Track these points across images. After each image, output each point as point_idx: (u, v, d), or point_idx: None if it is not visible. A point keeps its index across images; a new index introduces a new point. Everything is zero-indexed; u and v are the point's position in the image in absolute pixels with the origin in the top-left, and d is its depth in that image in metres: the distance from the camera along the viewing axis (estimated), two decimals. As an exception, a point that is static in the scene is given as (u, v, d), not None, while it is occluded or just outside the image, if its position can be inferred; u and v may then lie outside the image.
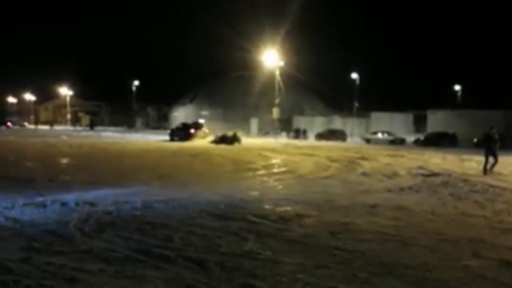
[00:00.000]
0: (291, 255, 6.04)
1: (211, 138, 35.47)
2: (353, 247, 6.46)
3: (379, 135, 40.28)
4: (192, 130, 38.69)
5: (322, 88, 55.77)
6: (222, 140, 33.00)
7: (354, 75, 51.52)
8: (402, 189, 12.05)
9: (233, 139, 32.87)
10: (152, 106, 76.06)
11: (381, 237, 7.12)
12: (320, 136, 42.99)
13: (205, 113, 64.15)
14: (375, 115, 50.70)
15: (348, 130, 46.00)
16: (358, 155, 22.26)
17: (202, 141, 35.54)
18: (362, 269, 5.60)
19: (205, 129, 39.82)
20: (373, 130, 44.32)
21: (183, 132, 38.28)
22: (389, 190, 11.93)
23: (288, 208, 9.10)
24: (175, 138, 37.12)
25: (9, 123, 72.90)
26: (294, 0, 50.13)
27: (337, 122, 51.72)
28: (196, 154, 22.78)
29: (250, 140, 37.43)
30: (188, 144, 32.98)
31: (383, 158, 21.24)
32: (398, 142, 38.11)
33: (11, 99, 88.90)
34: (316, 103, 60.22)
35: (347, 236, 7.07)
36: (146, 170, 16.28)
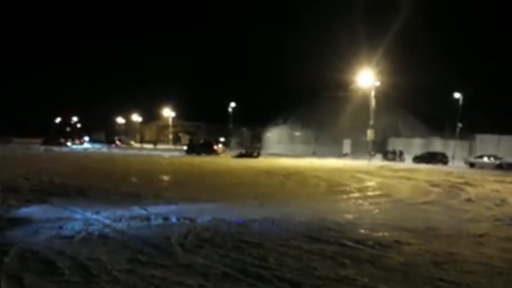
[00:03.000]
0: (390, 284, 5.77)
1: (227, 153, 45.43)
2: (459, 279, 6.02)
3: (485, 159, 37.50)
4: (215, 146, 47.88)
5: (421, 108, 53.27)
6: (244, 155, 43.15)
7: (457, 95, 48.62)
8: (513, 219, 11.05)
9: (253, 154, 43.69)
10: (247, 127, 78.04)
11: (490, 270, 6.57)
12: (418, 159, 41.04)
13: (297, 134, 64.44)
14: (480, 137, 47.25)
15: (449, 153, 43.39)
16: (461, 180, 20.87)
17: (223, 155, 44.40)
18: (470, 304, 5.19)
19: (221, 146, 50.89)
20: (478, 153, 41.36)
21: (207, 148, 46.35)
22: (498, 219, 11.00)
23: (386, 234, 8.75)
24: (198, 154, 44.13)
25: (117, 142, 79.12)
26: (392, 18, 48.92)
27: (437, 144, 49.00)
28: (289, 174, 22.85)
29: (335, 162, 36.78)
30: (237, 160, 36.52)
31: (489, 184, 19.71)
32: (506, 167, 35.13)
33: (120, 120, 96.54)
34: (414, 124, 57.57)
35: (452, 267, 6.61)
36: (240, 188, 16.65)
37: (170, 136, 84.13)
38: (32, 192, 13.46)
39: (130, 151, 50.33)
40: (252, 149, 50.73)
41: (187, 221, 9.47)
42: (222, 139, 60.93)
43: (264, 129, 70.92)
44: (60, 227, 8.65)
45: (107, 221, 9.37)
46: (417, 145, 49.83)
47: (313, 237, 8.26)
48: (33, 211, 10.40)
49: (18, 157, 33.02)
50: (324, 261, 6.79)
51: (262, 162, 35.48)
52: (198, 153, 44.84)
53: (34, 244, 7.34)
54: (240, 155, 43.24)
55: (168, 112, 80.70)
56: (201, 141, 59.18)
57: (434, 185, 18.59)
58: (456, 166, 37.51)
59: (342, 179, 20.88)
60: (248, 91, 78.67)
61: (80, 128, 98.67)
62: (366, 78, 41.75)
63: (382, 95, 44.87)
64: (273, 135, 68.61)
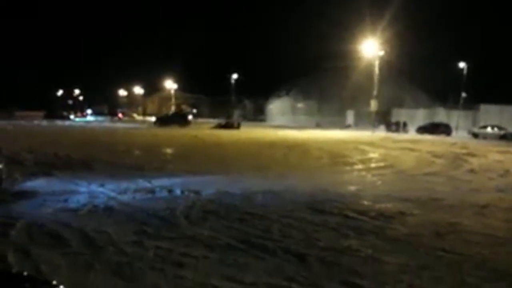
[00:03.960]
0: (393, 254, 5.83)
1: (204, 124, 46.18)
2: (461, 250, 6.07)
3: (489, 129, 37.38)
4: (189, 117, 49.50)
5: (426, 78, 52.77)
6: (226, 126, 42.65)
7: (462, 64, 48.06)
8: (516, 189, 11.08)
9: (233, 125, 43.45)
10: (249, 99, 77.73)
11: (492, 240, 6.63)
12: (422, 130, 40.94)
13: (300, 105, 64.23)
14: (484, 108, 46.99)
15: (453, 124, 43.25)
16: (465, 151, 20.85)
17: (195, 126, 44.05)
18: (471, 273, 5.25)
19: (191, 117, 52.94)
20: (482, 123, 41.21)
21: (182, 120, 45.89)
22: (501, 190, 11.04)
23: (389, 205, 8.80)
24: (167, 125, 42.44)
25: (120, 114, 79.07)
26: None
27: (441, 115, 48.79)
28: (291, 146, 22.86)
29: (335, 133, 36.74)
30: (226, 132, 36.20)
31: (493, 155, 19.69)
32: (509, 137, 35.03)
33: (122, 92, 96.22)
34: (418, 95, 57.18)
35: (455, 238, 6.66)
36: (244, 161, 16.69)
37: (173, 108, 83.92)
38: (37, 165, 13.53)
39: (131, 124, 50.21)
40: (232, 119, 51.16)
41: (191, 194, 9.53)
42: (194, 110, 63.75)
43: (267, 101, 70.64)
44: (66, 200, 8.73)
45: (112, 194, 9.44)
46: (421, 116, 49.64)
47: (316, 209, 8.31)
48: (38, 184, 10.48)
49: (21, 130, 33.07)
50: (327, 232, 6.85)
51: (242, 134, 34.65)
52: (168, 124, 43.35)
53: (40, 217, 7.42)
54: (220, 127, 42.63)
55: (170, 84, 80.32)
56: (171, 112, 59.67)
57: (437, 156, 18.58)
58: (460, 136, 37.43)
59: (345, 150, 20.88)
60: (250, 63, 78.13)
61: (82, 101, 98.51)
62: (370, 48, 41.24)
63: (386, 65, 44.42)
64: (276, 107, 68.41)
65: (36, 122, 47.65)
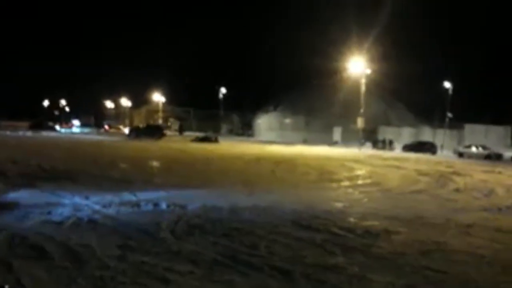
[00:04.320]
0: (379, 273, 5.82)
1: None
2: (447, 269, 6.09)
3: (473, 149, 37.84)
4: (165, 131, 48.00)
5: (411, 97, 53.46)
6: (204, 139, 42.89)
7: (447, 84, 48.85)
8: (500, 209, 11.21)
9: (214, 140, 43.35)
10: (237, 113, 77.81)
11: (477, 259, 6.65)
12: (407, 148, 41.31)
13: (287, 120, 64.46)
14: (469, 127, 47.72)
15: (438, 143, 43.74)
16: (450, 170, 21.06)
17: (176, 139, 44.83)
18: (457, 293, 5.25)
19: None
20: (467, 143, 41.74)
21: (158, 133, 45.00)
22: (486, 209, 11.14)
23: (375, 223, 8.81)
24: (142, 138, 41.05)
25: (106, 126, 78.44)
26: (383, 6, 48.70)
27: (427, 134, 49.37)
28: (278, 162, 22.87)
29: (325, 150, 36.92)
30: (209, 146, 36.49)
31: (478, 174, 19.92)
32: (494, 157, 35.48)
33: (109, 104, 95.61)
34: (404, 113, 57.87)
35: (440, 256, 6.68)
36: (230, 175, 16.64)
37: (160, 122, 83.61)
38: (20, 177, 13.32)
39: (116, 137, 49.80)
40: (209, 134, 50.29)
41: (177, 208, 9.45)
42: (169, 123, 64.58)
43: (255, 116, 70.78)
44: (49, 213, 8.59)
45: (97, 207, 9.32)
46: (407, 134, 50.15)
47: (303, 225, 8.29)
48: (21, 195, 10.31)
49: (5, 141, 32.61)
50: (314, 249, 6.83)
51: (228, 148, 34.34)
52: (141, 136, 42.20)
53: (23, 229, 7.28)
54: (198, 140, 42.96)
55: (158, 97, 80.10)
56: (143, 125, 57.73)
57: (423, 174, 18.74)
58: (445, 155, 37.85)
59: (332, 167, 20.96)
60: (238, 78, 78.31)
61: (68, 112, 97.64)
62: (357, 66, 41.74)
63: (373, 83, 44.96)
64: (264, 122, 68.50)
65: (21, 132, 47.04)
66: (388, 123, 54.95)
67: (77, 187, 11.77)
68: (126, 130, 50.90)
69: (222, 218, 8.70)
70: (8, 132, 43.87)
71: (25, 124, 62.00)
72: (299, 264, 6.06)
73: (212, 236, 7.31)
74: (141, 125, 56.78)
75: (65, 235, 6.98)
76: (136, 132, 45.84)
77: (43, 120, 66.18)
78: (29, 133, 46.93)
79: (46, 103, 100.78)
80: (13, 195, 10.32)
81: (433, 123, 51.71)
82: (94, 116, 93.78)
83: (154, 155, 24.24)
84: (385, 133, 50.72)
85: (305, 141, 51.23)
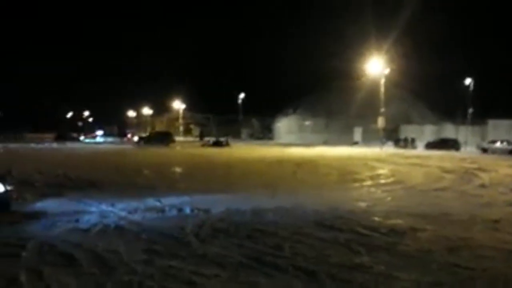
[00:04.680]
0: (406, 271, 5.77)
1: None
2: (475, 265, 6.01)
3: (498, 144, 37.06)
4: (174, 137, 48.41)
5: (433, 95, 52.72)
6: (216, 144, 42.71)
7: (468, 80, 48.02)
8: (528, 204, 10.97)
9: (226, 144, 43.12)
10: (257, 117, 77.94)
11: (506, 255, 6.55)
12: (430, 145, 40.72)
13: (307, 123, 64.27)
14: (492, 123, 46.74)
15: (461, 139, 42.99)
16: (474, 166, 20.69)
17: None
18: (486, 289, 5.18)
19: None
20: (491, 138, 40.91)
21: (167, 139, 45.27)
22: (513, 204, 10.92)
23: (400, 221, 8.74)
24: (151, 145, 41.54)
25: (129, 135, 79.49)
26: (402, 4, 48.27)
27: (449, 131, 48.58)
28: (299, 164, 22.83)
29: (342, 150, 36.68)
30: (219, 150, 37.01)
31: (503, 169, 19.53)
32: (519, 151, 34.69)
33: (131, 113, 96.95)
34: (425, 111, 57.06)
35: (467, 253, 6.59)
36: (252, 179, 16.68)
37: (181, 128, 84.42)
38: (47, 186, 13.62)
39: (128, 145, 50.29)
40: (214, 138, 50.25)
41: (201, 212, 9.54)
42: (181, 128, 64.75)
43: (274, 119, 70.77)
44: (77, 220, 8.77)
45: (123, 213, 9.47)
46: (429, 132, 49.43)
47: (326, 225, 8.28)
48: (48, 205, 10.54)
49: (32, 152, 33.37)
50: (338, 249, 6.81)
51: (231, 152, 34.20)
52: (152, 143, 42.84)
53: (51, 237, 7.45)
54: (207, 145, 42.98)
55: (178, 105, 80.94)
56: (154, 131, 58.76)
57: (447, 171, 18.47)
58: (469, 152, 37.16)
59: (353, 167, 20.82)
60: (257, 82, 78.57)
61: (92, 122, 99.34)
62: (376, 66, 41.40)
63: (392, 83, 44.52)
64: (283, 125, 68.44)
65: (46, 144, 48.03)
66: (409, 122, 54.24)
67: (103, 195, 11.98)
68: (135, 138, 50.81)
69: (246, 220, 8.75)
70: (32, 144, 44.84)
71: (49, 136, 63.33)
72: (323, 264, 6.05)
73: (236, 238, 7.36)
74: (151, 132, 57.10)
75: (93, 242, 7.11)
76: (145, 139, 46.39)
77: (67, 131, 67.39)
78: (54, 145, 47.88)
79: (70, 114, 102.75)
80: (40, 205, 10.56)
81: (456, 120, 50.90)
82: (117, 126, 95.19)
83: (169, 161, 24.49)
84: (407, 131, 50.05)
85: (326, 143, 50.96)
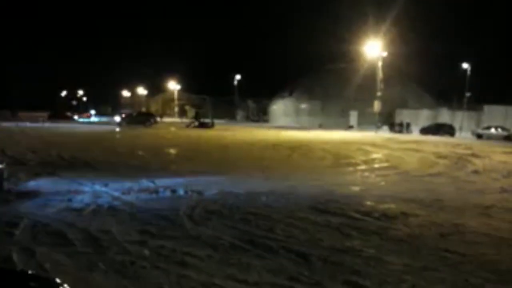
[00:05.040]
0: (396, 255, 5.83)
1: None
2: (465, 250, 6.07)
3: (492, 130, 37.27)
4: (158, 118, 50.16)
5: (428, 79, 52.70)
6: (202, 125, 43.70)
7: (465, 65, 47.92)
8: (520, 190, 11.05)
9: (211, 125, 43.97)
10: (252, 99, 77.71)
11: (496, 241, 6.61)
12: (425, 131, 40.83)
13: (303, 106, 64.14)
14: (488, 109, 46.81)
15: (457, 125, 43.11)
16: (468, 152, 20.79)
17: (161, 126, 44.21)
18: (475, 274, 5.24)
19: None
20: (486, 124, 41.07)
21: (149, 120, 46.14)
22: (505, 191, 11.01)
23: (392, 206, 8.79)
24: (133, 126, 41.69)
25: (123, 115, 79.04)
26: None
27: (445, 116, 48.62)
28: (294, 147, 22.85)
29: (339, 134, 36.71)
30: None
31: (497, 156, 19.63)
32: (514, 138, 34.90)
33: (126, 93, 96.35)
34: (421, 96, 57.07)
35: (458, 238, 6.66)
36: (247, 161, 16.70)
37: (176, 109, 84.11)
38: (41, 166, 13.57)
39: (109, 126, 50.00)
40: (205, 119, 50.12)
41: (195, 194, 9.55)
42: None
43: (270, 101, 70.60)
44: (70, 200, 8.76)
45: (116, 194, 9.47)
46: (424, 117, 49.49)
47: (319, 209, 8.31)
48: (42, 184, 10.52)
49: (25, 131, 33.19)
50: (330, 232, 6.86)
51: (217, 135, 34.03)
52: (134, 124, 43.56)
53: (44, 216, 7.45)
54: (193, 126, 43.38)
55: (173, 85, 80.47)
56: (135, 112, 58.51)
57: (441, 157, 18.54)
58: (464, 137, 37.33)
59: (348, 151, 20.86)
60: (254, 64, 78.16)
61: (86, 102, 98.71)
62: (373, 49, 41.20)
63: (389, 66, 44.37)
64: (279, 107, 68.32)
65: (39, 123, 47.77)
66: (405, 106, 54.24)
67: (96, 175, 11.96)
68: (117, 118, 50.31)
69: (239, 203, 8.77)
70: (27, 123, 44.57)
71: (43, 114, 62.91)
72: (315, 247, 6.10)
73: (229, 221, 7.38)
74: (133, 113, 56.55)
75: (86, 222, 7.12)
76: (127, 119, 46.47)
77: (61, 110, 66.97)
78: (47, 124, 47.61)
79: (63, 93, 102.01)
80: (34, 183, 10.54)
81: (452, 105, 50.94)
82: (111, 105, 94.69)
83: (172, 141, 24.44)
84: (402, 116, 50.11)
85: (321, 126, 50.99)
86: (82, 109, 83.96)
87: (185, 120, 69.95)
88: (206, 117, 59.07)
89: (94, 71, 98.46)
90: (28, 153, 16.72)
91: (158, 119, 52.38)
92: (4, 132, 30.37)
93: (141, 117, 48.94)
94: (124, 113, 55.34)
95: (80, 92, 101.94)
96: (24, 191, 9.65)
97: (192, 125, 44.80)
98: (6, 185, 9.47)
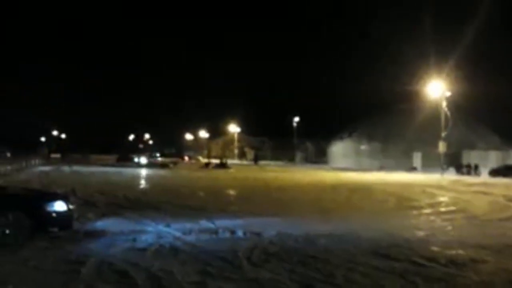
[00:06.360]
0: (465, 304, 5.48)
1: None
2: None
3: None
4: (186, 158, 58.53)
5: (496, 119, 50.32)
6: (220, 166, 47.94)
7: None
8: None
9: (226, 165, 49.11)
10: (311, 141, 77.62)
11: None
12: (495, 173, 38.65)
13: (363, 147, 63.08)
14: None
15: (529, 166, 40.49)
16: (544, 195, 19.39)
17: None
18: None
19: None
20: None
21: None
22: None
23: (460, 251, 8.33)
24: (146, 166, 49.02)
25: (186, 157, 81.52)
26: (463, 27, 46.87)
27: (515, 157, 46.01)
28: (354, 189, 22.40)
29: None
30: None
31: None
32: None
33: (188, 136, 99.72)
34: (489, 136, 54.48)
35: (535, 288, 6.17)
36: (306, 203, 16.55)
37: (236, 151, 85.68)
38: (108, 207, 14.20)
39: (197, 166, 51.63)
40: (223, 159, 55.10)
41: (253, 235, 9.57)
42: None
43: (329, 143, 70.14)
44: (134, 240, 9.05)
45: (178, 234, 9.68)
46: (493, 158, 47.06)
47: (381, 254, 8.03)
48: (108, 224, 10.96)
49: (94, 173, 34.97)
50: (393, 279, 6.58)
51: (303, 177, 34.55)
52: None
53: (110, 256, 7.73)
54: (212, 167, 47.02)
55: (233, 128, 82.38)
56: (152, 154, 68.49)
57: (512, 200, 17.43)
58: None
59: (412, 193, 20.15)
60: (312, 106, 78.56)
61: (152, 145, 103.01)
62: (436, 89, 40.20)
63: (454, 106, 42.96)
64: (338, 149, 67.65)
65: (108, 166, 50.20)
66: (471, 147, 51.88)
67: (159, 215, 12.33)
68: (214, 160, 56.83)
69: (298, 246, 8.67)
70: (96, 166, 46.98)
71: (112, 157, 66.17)
72: (378, 293, 5.87)
73: (288, 263, 7.30)
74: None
75: (149, 261, 7.31)
76: (121, 159, 54.72)
77: (128, 153, 70.15)
78: (114, 167, 49.92)
79: (131, 137, 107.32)
80: (101, 223, 11.01)
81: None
82: (175, 148, 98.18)
83: (229, 184, 24.73)
84: (470, 157, 47.89)
85: (382, 168, 49.73)
86: (147, 152, 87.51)
87: (244, 162, 70.78)
88: (266, 159, 59.53)
89: (160, 115, 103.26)
90: (96, 194, 17.57)
91: (219, 161, 54.92)
92: (75, 174, 32.20)
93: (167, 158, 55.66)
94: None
95: (147, 136, 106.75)
96: (91, 230, 10.09)
97: (211, 166, 49.07)
98: (75, 225, 9.97)
